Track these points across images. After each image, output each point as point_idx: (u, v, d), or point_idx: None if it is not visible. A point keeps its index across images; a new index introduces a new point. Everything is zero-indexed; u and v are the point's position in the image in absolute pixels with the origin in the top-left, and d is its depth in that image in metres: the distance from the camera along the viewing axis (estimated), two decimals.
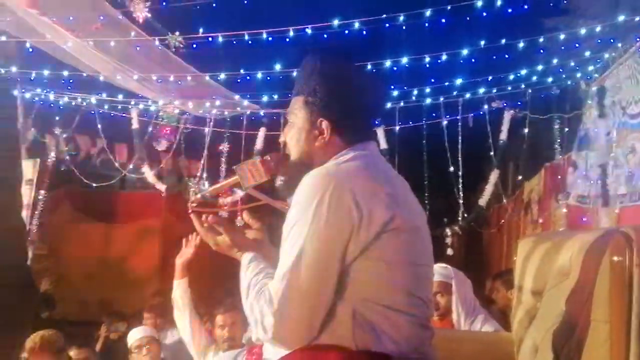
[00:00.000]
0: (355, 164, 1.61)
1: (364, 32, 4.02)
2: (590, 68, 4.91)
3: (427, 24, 3.94)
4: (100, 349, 5.84)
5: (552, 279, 2.00)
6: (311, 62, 1.72)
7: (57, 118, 6.95)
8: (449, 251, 5.59)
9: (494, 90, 5.52)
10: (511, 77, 5.16)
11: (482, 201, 5.88)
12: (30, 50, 4.66)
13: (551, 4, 3.85)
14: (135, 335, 4.26)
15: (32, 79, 5.48)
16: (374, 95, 1.79)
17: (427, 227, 1.74)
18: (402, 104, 5.88)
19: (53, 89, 6.21)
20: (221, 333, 3.62)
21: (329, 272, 1.47)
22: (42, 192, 7.04)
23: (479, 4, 3.64)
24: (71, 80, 5.73)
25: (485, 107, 5.65)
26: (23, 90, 6.01)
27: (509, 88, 5.45)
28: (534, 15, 4.27)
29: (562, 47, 4.52)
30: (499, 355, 2.13)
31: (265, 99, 5.75)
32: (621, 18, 3.79)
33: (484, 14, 3.81)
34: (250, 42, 4.12)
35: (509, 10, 3.90)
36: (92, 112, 6.77)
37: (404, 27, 3.92)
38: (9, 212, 1.31)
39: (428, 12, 3.78)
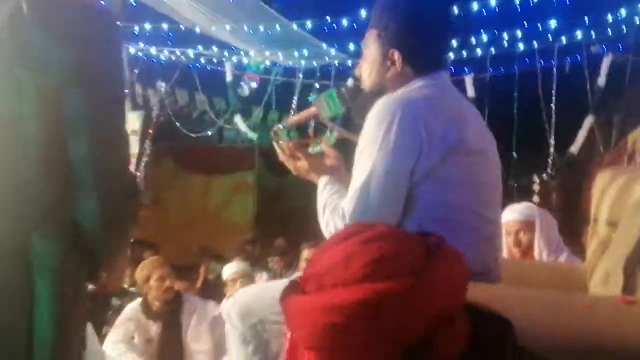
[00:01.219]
0: (425, 91, 1.68)
1: None
2: None
3: None
4: (200, 287, 6.30)
5: (628, 209, 2.00)
6: None
7: (158, 72, 7.36)
8: (535, 198, 5.44)
9: (592, 34, 5.20)
10: (609, 19, 4.82)
11: (574, 148, 5.64)
12: (134, 3, 4.97)
13: None
14: (230, 270, 4.59)
15: (136, 33, 5.84)
16: (444, 26, 1.85)
17: (495, 152, 1.80)
18: (493, 50, 5.68)
19: (154, 43, 6.57)
20: (305, 265, 3.80)
21: (397, 190, 1.58)
22: (147, 142, 7.48)
23: None
24: (170, 34, 6.04)
25: (584, 52, 5.35)
26: (127, 45, 6.42)
27: (610, 31, 5.11)
28: None
29: None
30: (570, 282, 2.15)
31: (352, 47, 5.77)
32: None
33: None
34: None
35: None
36: (190, 66, 7.12)
37: None
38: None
39: None
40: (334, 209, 1.67)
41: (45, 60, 1.37)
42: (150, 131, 7.52)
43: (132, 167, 6.87)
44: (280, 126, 2.01)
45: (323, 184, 1.79)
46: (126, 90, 6.26)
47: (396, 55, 1.72)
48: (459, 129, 1.60)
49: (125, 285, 4.71)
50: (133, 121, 7.07)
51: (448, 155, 1.57)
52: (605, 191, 2.20)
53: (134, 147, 7.10)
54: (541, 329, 1.23)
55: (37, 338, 1.35)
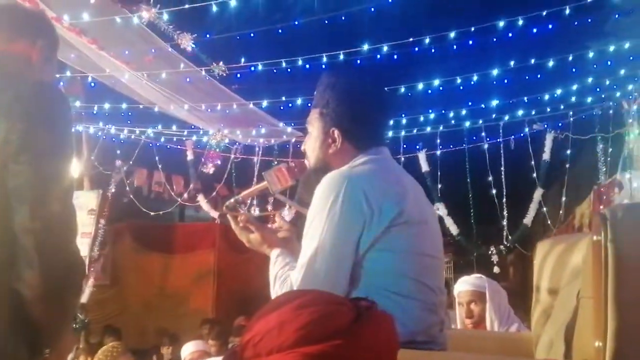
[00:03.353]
0: (367, 167, 1.77)
1: (395, 57, 4.20)
2: (630, 87, 4.89)
3: (454, 47, 4.09)
4: None
5: (566, 277, 2.07)
6: (326, 77, 1.91)
7: (118, 151, 7.39)
8: (495, 269, 5.58)
9: (533, 112, 5.55)
10: (547, 97, 5.18)
11: (527, 220, 5.87)
12: (93, 85, 5.08)
13: (576, 23, 3.92)
14: (188, 349, 4.50)
15: (94, 112, 5.91)
16: (382, 105, 1.95)
17: (436, 223, 1.87)
18: (441, 127, 5.97)
19: (114, 122, 6.64)
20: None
21: (343, 262, 1.64)
22: (102, 222, 7.34)
23: (501, 24, 3.76)
24: (130, 114, 6.13)
25: (526, 129, 5.68)
26: (87, 126, 6.49)
27: (548, 109, 5.47)
28: (561, 35, 4.32)
29: (594, 66, 4.54)
30: (518, 352, 2.19)
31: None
32: None
33: (509, 34, 3.93)
34: (288, 69, 4.38)
35: (534, 30, 3.99)
36: (150, 145, 7.19)
37: (432, 50, 4.09)
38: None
39: (452, 34, 3.93)
40: (284, 281, 1.71)
41: None
42: (106, 210, 7.43)
43: (87, 246, 6.76)
44: (233, 200, 2.07)
45: (274, 256, 1.83)
46: (79, 168, 6.26)
47: (337, 133, 1.81)
48: (400, 202, 1.67)
49: None
50: (91, 200, 7.00)
51: (390, 226, 1.63)
52: (545, 260, 2.28)
53: (90, 226, 6.99)
54: None
55: None
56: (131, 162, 7.41)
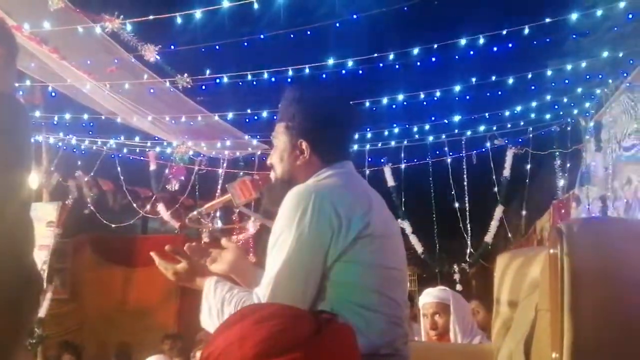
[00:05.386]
0: (334, 180, 1.79)
1: (360, 72, 4.27)
2: (587, 104, 5.06)
3: (418, 63, 4.18)
4: None
5: (525, 290, 2.11)
6: (290, 92, 1.92)
7: (79, 162, 7.25)
8: (458, 287, 5.63)
9: (494, 128, 5.68)
10: (507, 113, 5.32)
11: (488, 237, 5.97)
12: (53, 95, 4.98)
13: (535, 42, 4.05)
14: None
15: (55, 123, 5.80)
16: (348, 118, 1.97)
17: (399, 235, 1.89)
18: (406, 142, 6.05)
19: (75, 133, 6.52)
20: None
21: (312, 275, 1.64)
22: (57, 231, 7.12)
23: (463, 42, 3.86)
24: (92, 124, 6.03)
25: (488, 144, 5.81)
26: (47, 136, 6.34)
27: (509, 125, 5.61)
28: (521, 53, 4.46)
29: (552, 84, 4.68)
30: None
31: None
32: (605, 54, 3.97)
33: (471, 52, 4.04)
34: (254, 82, 4.39)
35: (495, 49, 4.11)
36: (112, 156, 7.07)
37: (397, 66, 4.17)
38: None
39: (416, 51, 4.02)
40: (242, 300, 1.67)
41: None
42: (67, 222, 7.25)
43: (45, 258, 6.57)
44: (196, 212, 2.05)
45: (212, 283, 1.77)
46: (38, 179, 6.12)
47: (304, 145, 1.82)
48: (366, 215, 1.68)
49: None
50: (50, 212, 6.82)
51: (356, 239, 1.64)
52: (504, 273, 2.32)
53: (48, 239, 6.81)
54: None
55: None
56: (92, 174, 7.27)
